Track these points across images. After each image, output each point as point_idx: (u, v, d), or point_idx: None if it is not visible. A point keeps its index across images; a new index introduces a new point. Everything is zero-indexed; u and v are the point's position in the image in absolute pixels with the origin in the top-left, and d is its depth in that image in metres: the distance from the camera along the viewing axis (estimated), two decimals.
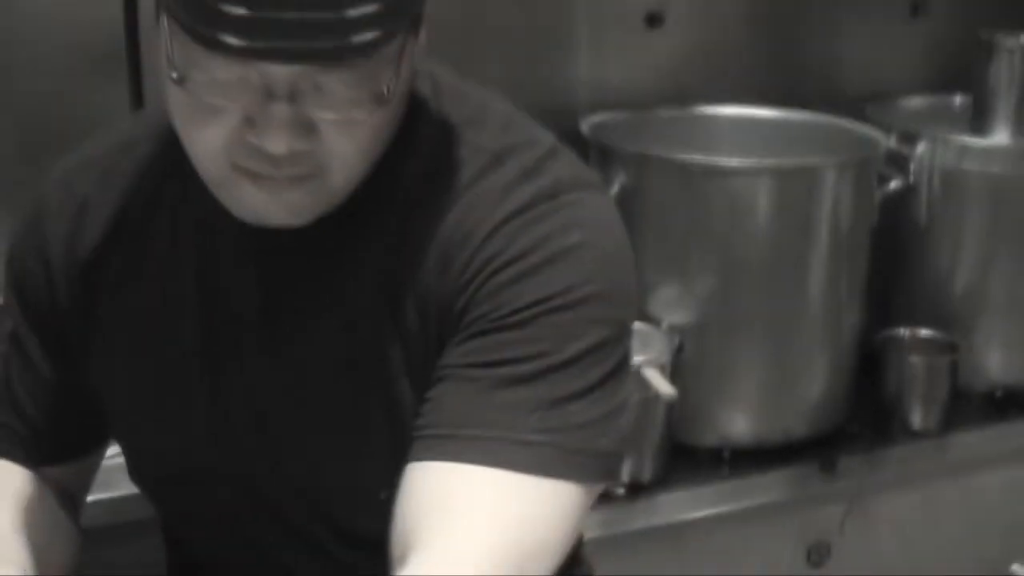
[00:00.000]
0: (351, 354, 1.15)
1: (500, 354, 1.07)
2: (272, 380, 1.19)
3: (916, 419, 2.33)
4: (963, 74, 2.54)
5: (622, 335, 1.13)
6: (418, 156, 1.15)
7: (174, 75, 1.05)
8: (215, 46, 1.01)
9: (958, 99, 2.64)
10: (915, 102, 2.69)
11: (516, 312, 1.08)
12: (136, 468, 1.33)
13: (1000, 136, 2.43)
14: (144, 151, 1.27)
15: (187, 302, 1.21)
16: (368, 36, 1.02)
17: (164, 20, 1.05)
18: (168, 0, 1.03)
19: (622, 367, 1.13)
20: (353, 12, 1.00)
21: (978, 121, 2.45)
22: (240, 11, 0.99)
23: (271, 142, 1.04)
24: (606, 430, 1.10)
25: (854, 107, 2.52)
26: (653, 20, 2.50)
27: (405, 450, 1.09)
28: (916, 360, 2.33)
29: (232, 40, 1.00)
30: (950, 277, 2.45)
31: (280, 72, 1.02)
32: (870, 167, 2.29)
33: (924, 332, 2.40)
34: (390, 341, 1.14)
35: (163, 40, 1.06)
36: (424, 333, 1.13)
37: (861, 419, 2.33)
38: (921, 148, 2.40)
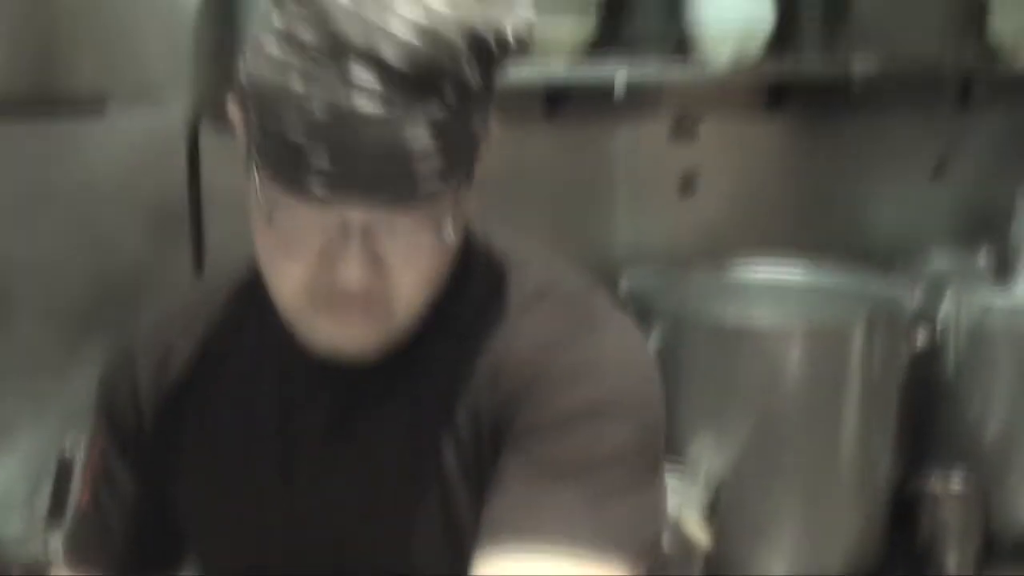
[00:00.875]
0: (412, 463, 1.28)
1: (541, 455, 1.21)
2: (342, 490, 1.30)
3: (951, 562, 2.38)
4: (986, 229, 2.67)
5: (651, 438, 1.25)
6: (470, 294, 1.30)
7: (263, 217, 1.18)
8: (302, 193, 1.14)
9: (982, 252, 2.73)
10: (941, 255, 2.78)
11: (553, 419, 1.22)
12: None
13: None
14: (222, 298, 1.40)
15: (266, 425, 1.33)
16: (431, 187, 1.15)
17: (255, 170, 1.18)
18: (259, 153, 1.16)
19: (654, 464, 1.25)
20: (420, 166, 1.14)
21: (1001, 273, 2.56)
22: (325, 164, 1.12)
23: (346, 273, 1.17)
24: (643, 514, 1.22)
25: (883, 261, 2.63)
26: (688, 182, 2.63)
27: (458, 544, 1.23)
28: (949, 505, 2.38)
29: (317, 189, 1.13)
30: (981, 424, 2.52)
31: (356, 215, 1.15)
32: (898, 326, 2.38)
33: (956, 478, 2.45)
34: (447, 451, 1.26)
35: (253, 186, 1.18)
36: (477, 442, 1.25)
37: (896, 562, 2.38)
38: (947, 302, 2.49)
